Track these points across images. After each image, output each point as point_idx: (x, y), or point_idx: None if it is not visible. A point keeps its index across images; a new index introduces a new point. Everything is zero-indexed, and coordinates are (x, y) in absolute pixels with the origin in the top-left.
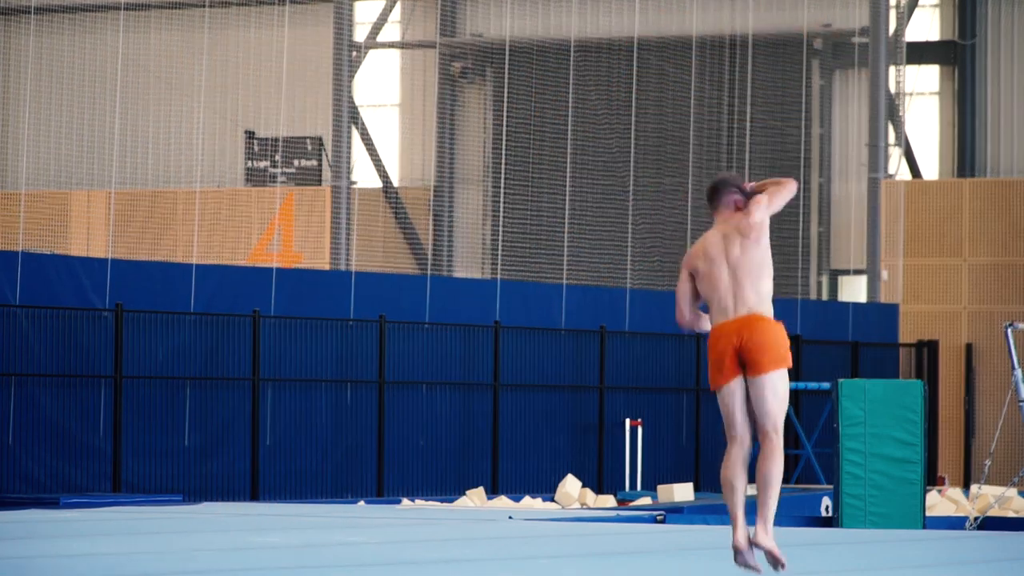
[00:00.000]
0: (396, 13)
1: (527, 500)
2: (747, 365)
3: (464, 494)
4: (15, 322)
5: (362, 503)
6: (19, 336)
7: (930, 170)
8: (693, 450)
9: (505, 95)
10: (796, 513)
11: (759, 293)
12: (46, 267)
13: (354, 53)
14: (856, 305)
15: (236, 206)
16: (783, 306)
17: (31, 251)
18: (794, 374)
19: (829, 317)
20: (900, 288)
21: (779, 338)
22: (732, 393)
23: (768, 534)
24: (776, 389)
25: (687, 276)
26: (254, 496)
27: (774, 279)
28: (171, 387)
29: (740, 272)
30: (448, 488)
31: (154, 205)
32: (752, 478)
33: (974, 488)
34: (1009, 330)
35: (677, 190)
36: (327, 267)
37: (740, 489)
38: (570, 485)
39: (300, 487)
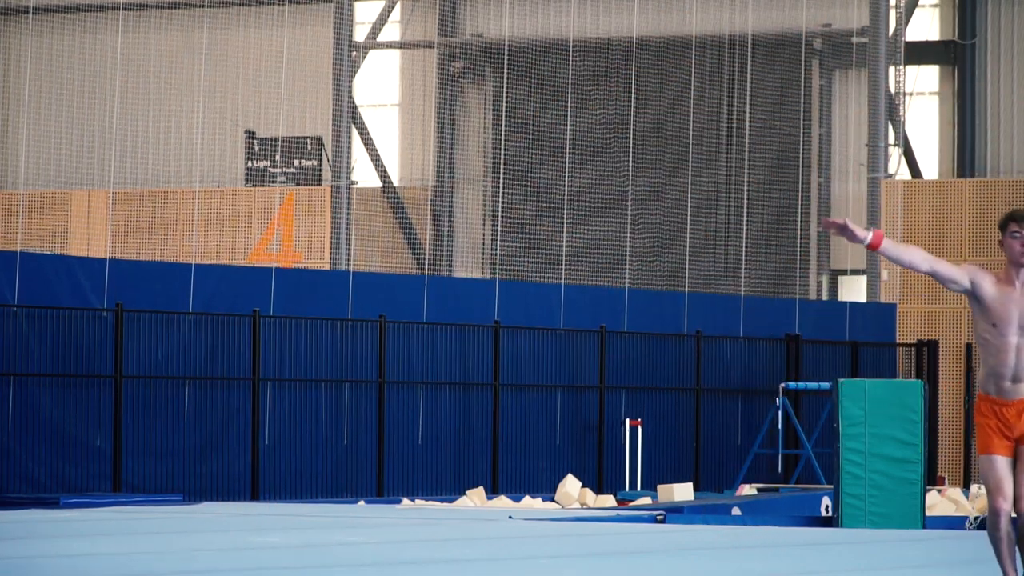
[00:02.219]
0: (396, 13)
1: (527, 500)
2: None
3: (464, 494)
4: (14, 322)
5: (362, 503)
6: (18, 336)
7: (930, 170)
8: (693, 450)
9: (504, 95)
10: (796, 513)
11: None
12: (45, 267)
13: (354, 53)
14: (855, 305)
15: (236, 206)
16: (782, 306)
17: (30, 251)
18: (794, 374)
19: (828, 317)
20: (898, 288)
21: None
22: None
23: None
24: None
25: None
26: (254, 496)
27: (773, 278)
28: (170, 387)
29: None
30: (448, 488)
31: (154, 205)
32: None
33: (974, 488)
34: None
35: (676, 190)
36: (327, 267)
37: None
38: (570, 485)
39: (300, 487)
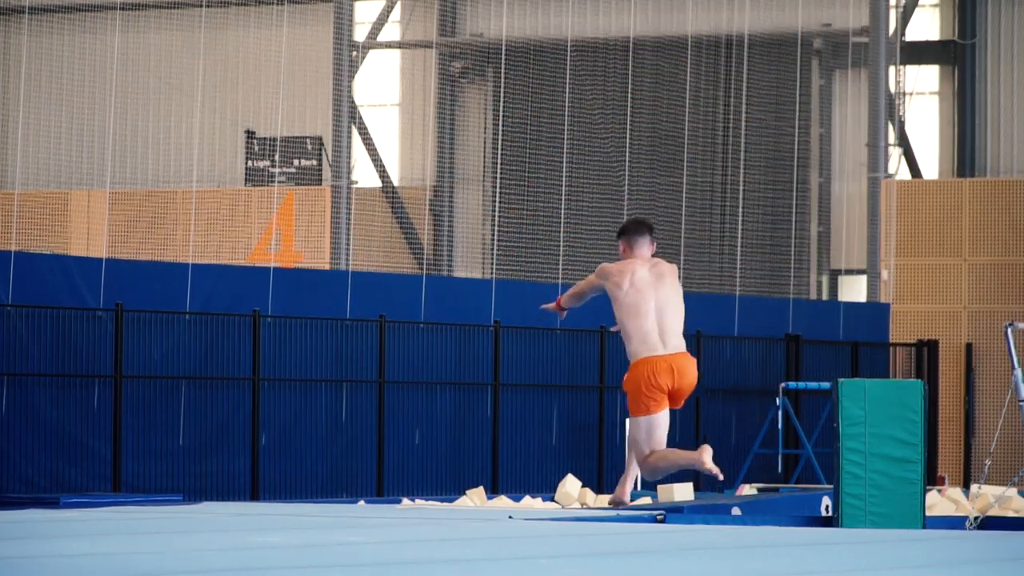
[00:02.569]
0: (396, 13)
1: (527, 500)
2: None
3: (464, 494)
4: (9, 322)
5: (362, 503)
6: (14, 337)
7: (930, 170)
8: (693, 450)
9: (502, 95)
10: (796, 513)
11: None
12: (40, 266)
13: (354, 53)
14: (849, 305)
15: (236, 206)
16: (776, 306)
17: (28, 251)
18: (794, 374)
19: (826, 317)
20: (892, 288)
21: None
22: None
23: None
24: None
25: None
26: (254, 496)
27: (769, 278)
28: (169, 387)
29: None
30: (448, 488)
31: (154, 205)
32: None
33: (974, 488)
34: (1009, 330)
35: (673, 189)
36: (327, 267)
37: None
38: (570, 485)
39: (300, 487)
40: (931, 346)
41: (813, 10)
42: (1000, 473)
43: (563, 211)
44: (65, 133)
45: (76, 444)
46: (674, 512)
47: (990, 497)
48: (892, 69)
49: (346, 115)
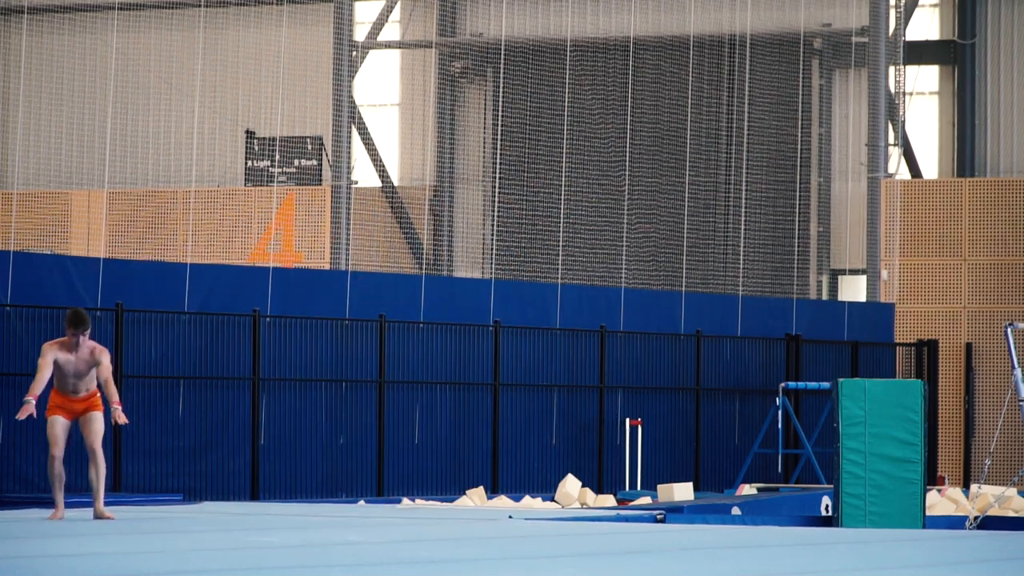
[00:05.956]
0: (396, 13)
1: (527, 500)
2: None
3: (464, 494)
4: (8, 323)
5: (362, 503)
6: (12, 336)
7: (930, 170)
8: (693, 450)
9: (501, 95)
10: (796, 513)
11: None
12: (38, 266)
13: (354, 53)
14: (853, 305)
15: (236, 206)
16: (779, 305)
17: (27, 251)
18: (794, 374)
19: (827, 317)
20: (896, 288)
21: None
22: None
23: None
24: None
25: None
26: (254, 496)
27: (771, 278)
28: (169, 387)
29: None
30: (448, 488)
31: (154, 205)
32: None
33: (974, 487)
34: (1009, 330)
35: (674, 189)
36: (327, 267)
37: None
38: (570, 485)
39: (300, 487)
40: (931, 346)
41: (813, 10)
42: (1000, 473)
43: (563, 211)
44: (65, 133)
45: (74, 444)
46: (674, 512)
47: (990, 497)
48: (892, 69)
49: (346, 115)
